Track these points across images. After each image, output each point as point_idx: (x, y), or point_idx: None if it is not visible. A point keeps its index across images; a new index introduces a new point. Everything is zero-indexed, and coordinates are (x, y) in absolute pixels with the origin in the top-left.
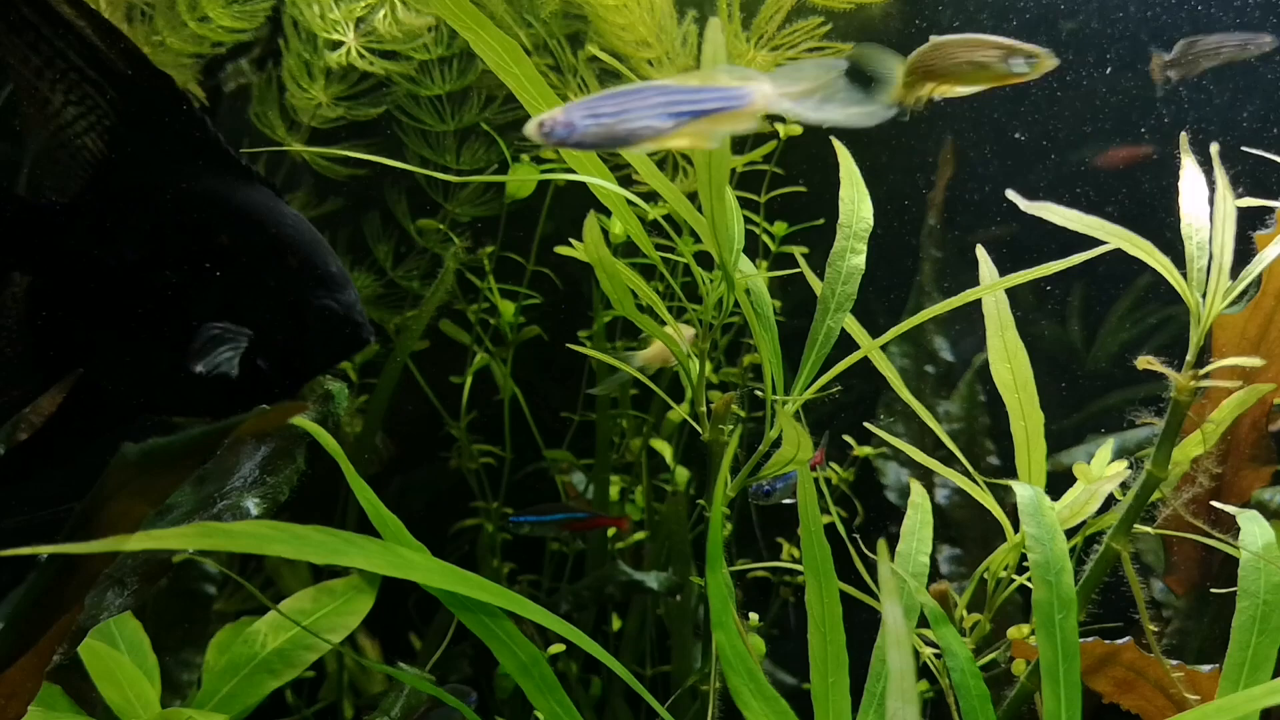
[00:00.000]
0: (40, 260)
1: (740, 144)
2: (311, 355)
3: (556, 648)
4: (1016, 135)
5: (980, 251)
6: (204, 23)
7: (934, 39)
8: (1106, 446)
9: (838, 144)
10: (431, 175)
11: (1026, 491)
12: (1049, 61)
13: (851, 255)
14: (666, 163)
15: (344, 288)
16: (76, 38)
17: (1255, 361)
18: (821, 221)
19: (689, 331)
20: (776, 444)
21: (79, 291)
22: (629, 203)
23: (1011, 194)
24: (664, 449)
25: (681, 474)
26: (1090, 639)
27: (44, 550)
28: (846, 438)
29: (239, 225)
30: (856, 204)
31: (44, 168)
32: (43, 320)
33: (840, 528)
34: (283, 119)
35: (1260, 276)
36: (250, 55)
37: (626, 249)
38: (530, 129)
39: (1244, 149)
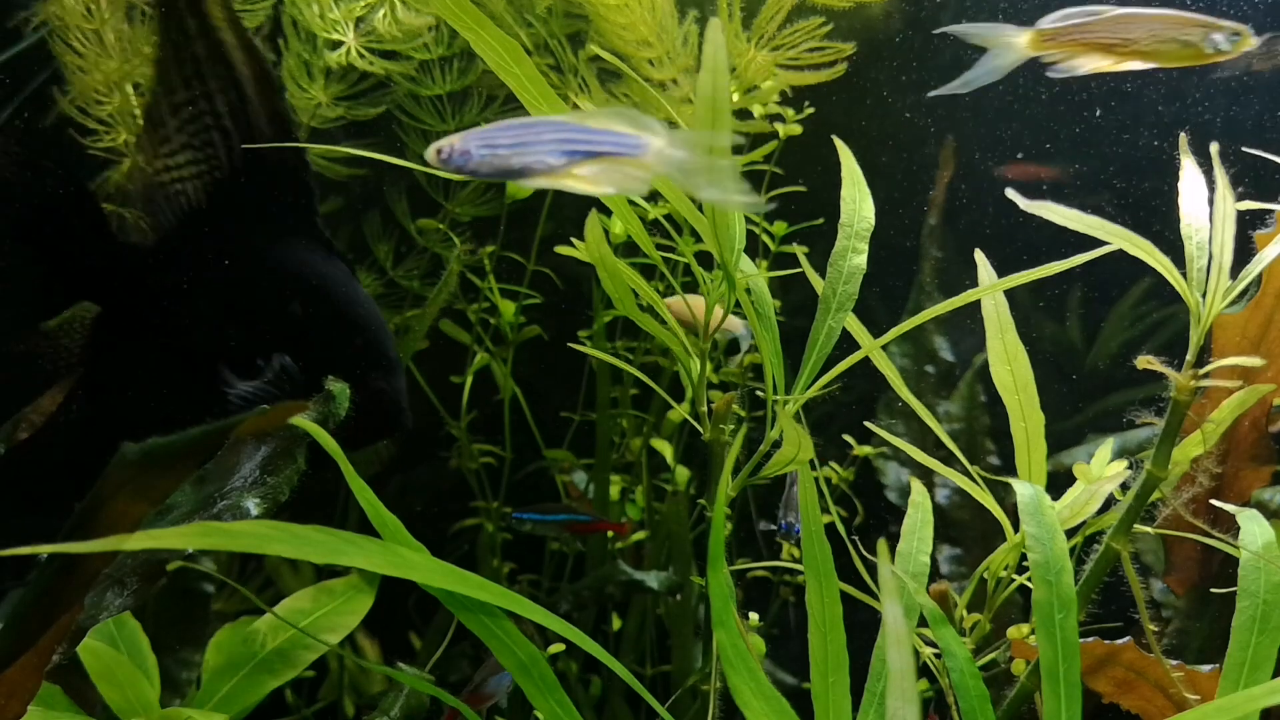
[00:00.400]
0: (113, 295)
1: (741, 143)
2: (356, 432)
3: (556, 647)
4: (1017, 135)
5: (978, 255)
6: None
7: (1108, 9)
8: (1106, 447)
9: (840, 144)
10: (432, 173)
11: (1027, 490)
12: (1250, 40)
13: (853, 255)
14: None
15: (397, 373)
16: (234, 86)
17: (1255, 361)
18: (821, 221)
19: (698, 304)
20: (778, 444)
21: (143, 330)
22: (629, 202)
23: (1011, 193)
24: (664, 449)
25: (682, 474)
26: (1090, 639)
27: (44, 550)
28: (847, 437)
29: (314, 298)
30: (858, 203)
31: (139, 202)
32: (103, 350)
33: (840, 528)
34: None
35: (1260, 276)
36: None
37: (627, 248)
38: (429, 154)
39: (1244, 149)
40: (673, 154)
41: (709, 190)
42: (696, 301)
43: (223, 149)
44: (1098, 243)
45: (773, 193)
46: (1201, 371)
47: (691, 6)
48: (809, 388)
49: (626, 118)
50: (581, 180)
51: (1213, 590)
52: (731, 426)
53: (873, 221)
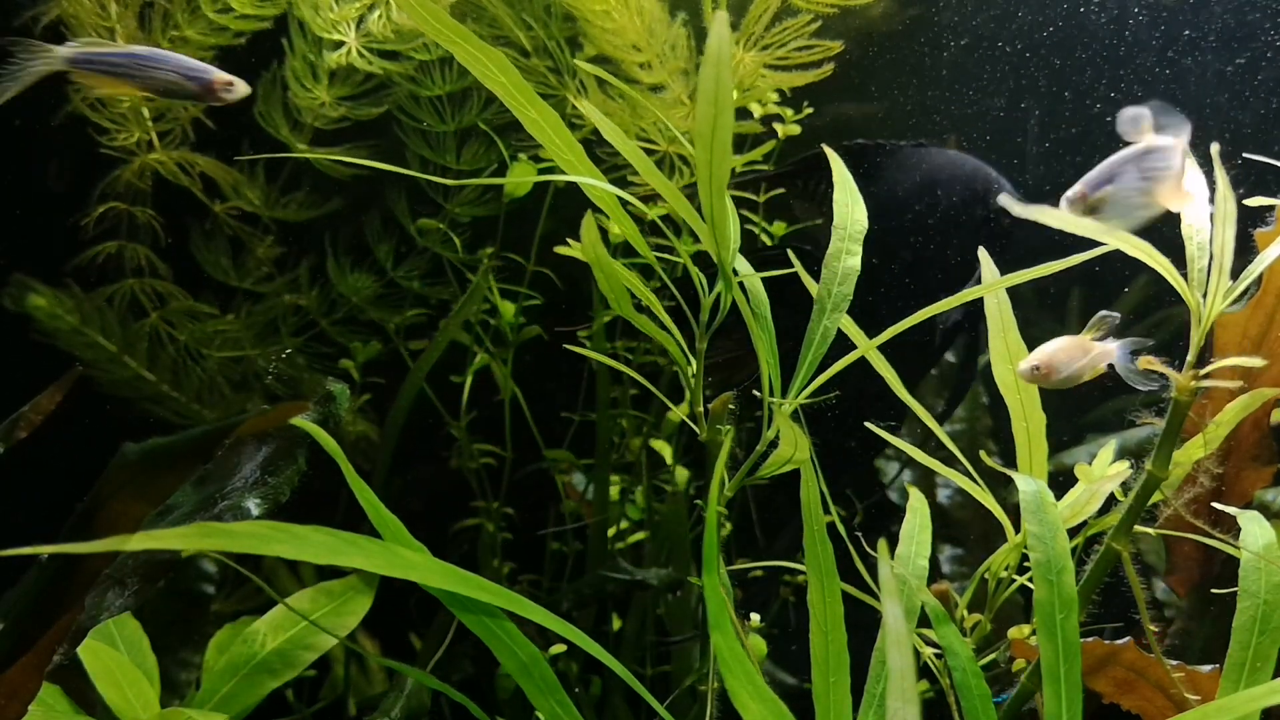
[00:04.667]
0: None
1: (740, 143)
2: None
3: (557, 648)
4: (1018, 135)
5: (981, 253)
6: (224, 13)
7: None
8: (1108, 447)
9: (829, 151)
10: (426, 179)
11: (1030, 486)
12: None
13: (847, 257)
14: (663, 163)
15: None
16: None
17: (1256, 361)
18: (819, 221)
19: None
20: (774, 443)
21: None
22: (626, 203)
23: (1004, 199)
24: (664, 449)
25: (681, 474)
26: (1090, 639)
27: (44, 550)
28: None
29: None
30: (850, 207)
31: None
32: None
33: (840, 528)
34: (286, 119)
35: (1261, 275)
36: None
37: (626, 249)
38: None
39: (1245, 156)
40: None
41: None
42: None
43: None
44: (1086, 246)
45: (771, 193)
46: (1202, 372)
47: (681, 8)
48: (805, 388)
49: None
50: None
51: (1214, 591)
52: (729, 427)
53: (865, 224)
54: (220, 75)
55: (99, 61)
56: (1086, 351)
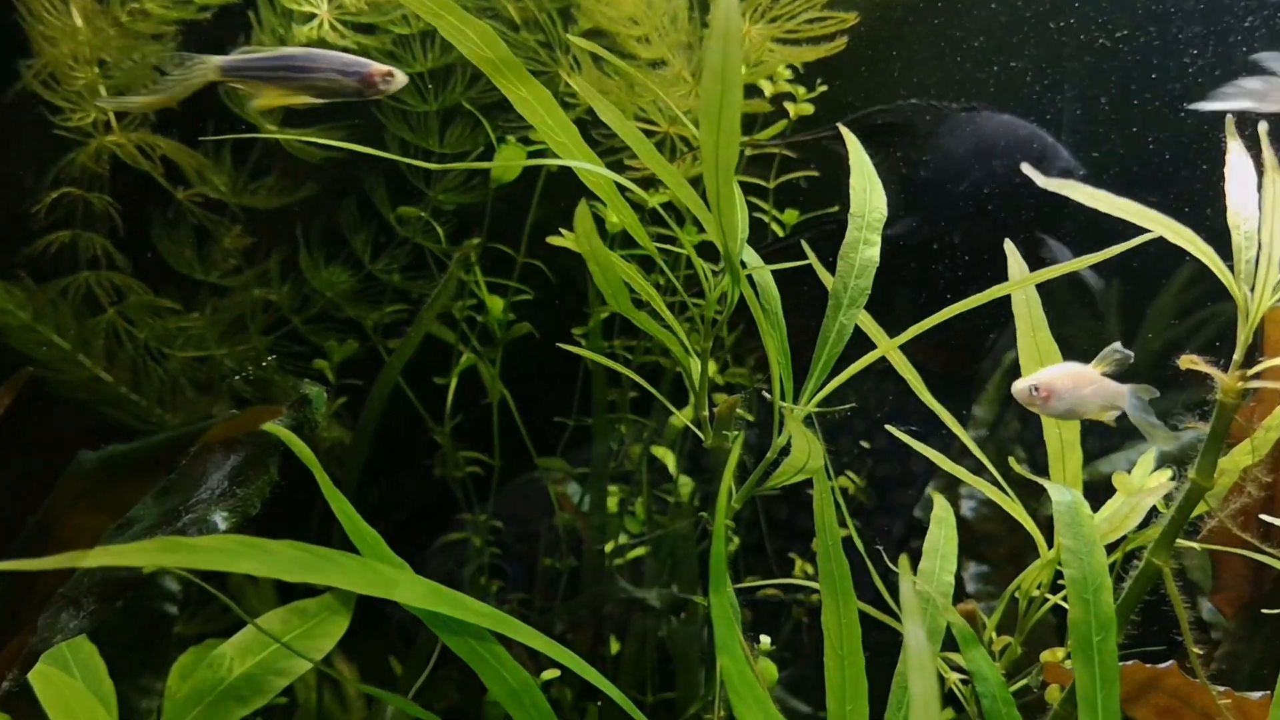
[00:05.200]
0: None
1: (749, 124)
2: None
3: (550, 673)
4: (1051, 114)
5: (1008, 246)
6: None
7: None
8: (1149, 454)
9: (846, 132)
10: (407, 162)
11: (1064, 497)
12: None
13: (865, 247)
14: (664, 145)
15: None
16: None
17: None
18: (835, 209)
19: None
20: (786, 451)
21: None
22: (624, 190)
23: (1026, 168)
24: (666, 457)
25: (685, 484)
26: (1130, 663)
27: None
28: (865, 444)
29: None
30: (868, 193)
31: None
32: None
33: (858, 542)
34: None
35: None
36: None
37: (624, 239)
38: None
39: None
40: None
41: None
42: None
43: None
44: (1136, 230)
45: (782, 178)
46: (1250, 372)
47: None
48: (819, 390)
49: None
50: None
51: (1264, 611)
52: (736, 433)
53: (885, 212)
54: (378, 66)
55: (254, 68)
56: (1092, 383)
